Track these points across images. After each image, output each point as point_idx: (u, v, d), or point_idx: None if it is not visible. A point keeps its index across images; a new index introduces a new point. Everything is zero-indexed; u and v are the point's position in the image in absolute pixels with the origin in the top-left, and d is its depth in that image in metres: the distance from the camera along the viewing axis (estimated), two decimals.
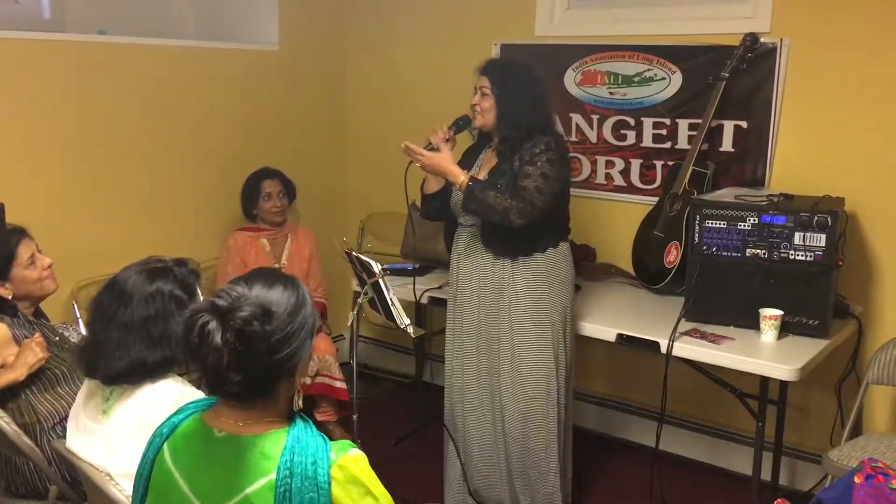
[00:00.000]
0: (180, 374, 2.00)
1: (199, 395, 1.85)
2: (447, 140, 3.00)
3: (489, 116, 2.93)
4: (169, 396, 1.87)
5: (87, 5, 3.94)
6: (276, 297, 1.53)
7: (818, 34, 3.27)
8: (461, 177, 2.84)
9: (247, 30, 4.30)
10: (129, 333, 1.93)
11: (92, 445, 1.98)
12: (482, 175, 2.97)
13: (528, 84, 2.96)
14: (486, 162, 3.02)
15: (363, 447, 3.50)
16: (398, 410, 4.26)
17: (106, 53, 3.62)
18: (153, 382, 1.95)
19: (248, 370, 1.48)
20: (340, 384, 3.78)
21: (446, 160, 2.88)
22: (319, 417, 3.86)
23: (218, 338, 1.46)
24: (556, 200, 2.90)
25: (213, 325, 1.47)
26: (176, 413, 1.65)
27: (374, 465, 1.56)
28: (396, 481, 3.43)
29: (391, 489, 1.60)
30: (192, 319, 1.50)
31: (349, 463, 1.55)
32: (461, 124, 3.05)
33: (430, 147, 2.97)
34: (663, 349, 2.91)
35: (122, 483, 1.87)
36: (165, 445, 1.60)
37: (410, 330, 2.85)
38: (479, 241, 3.00)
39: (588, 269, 3.77)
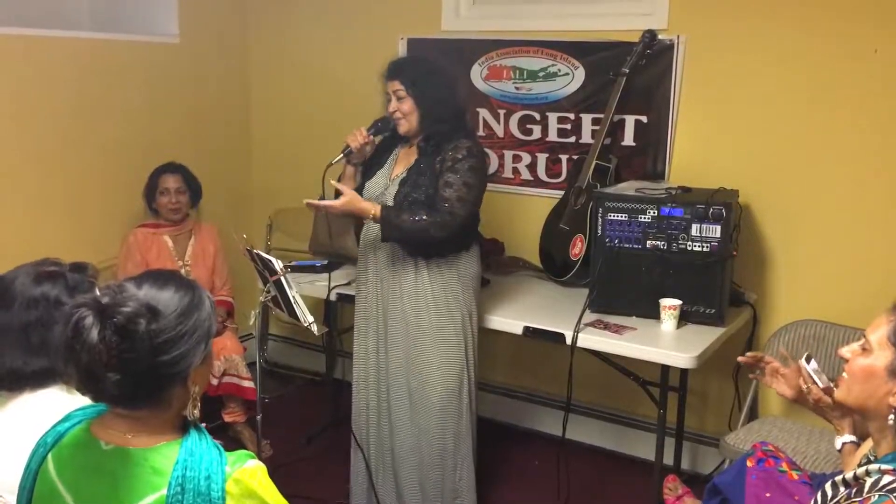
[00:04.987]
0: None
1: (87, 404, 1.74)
2: (366, 144, 2.95)
3: (412, 119, 2.89)
4: (52, 407, 1.73)
5: None
6: (167, 297, 1.45)
7: (713, 31, 3.37)
8: (372, 210, 2.79)
9: (145, 22, 4.17)
10: (5, 338, 1.80)
11: None
12: (398, 172, 2.94)
13: (439, 75, 2.96)
14: (403, 158, 2.95)
15: (273, 446, 3.43)
16: (309, 408, 4.22)
17: None
18: (33, 391, 1.82)
19: (129, 371, 1.39)
20: (248, 383, 3.72)
21: (356, 199, 2.81)
22: (227, 418, 3.80)
23: (94, 334, 1.37)
24: (477, 207, 2.93)
25: (90, 320, 1.38)
26: (62, 420, 1.56)
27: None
28: (307, 480, 3.43)
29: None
30: (70, 314, 1.40)
31: (245, 476, 1.47)
32: (380, 126, 2.97)
33: (348, 150, 2.93)
34: (568, 340, 2.96)
35: (7, 497, 1.77)
36: (50, 456, 1.52)
37: (314, 328, 2.81)
38: None
39: (497, 262, 3.80)
